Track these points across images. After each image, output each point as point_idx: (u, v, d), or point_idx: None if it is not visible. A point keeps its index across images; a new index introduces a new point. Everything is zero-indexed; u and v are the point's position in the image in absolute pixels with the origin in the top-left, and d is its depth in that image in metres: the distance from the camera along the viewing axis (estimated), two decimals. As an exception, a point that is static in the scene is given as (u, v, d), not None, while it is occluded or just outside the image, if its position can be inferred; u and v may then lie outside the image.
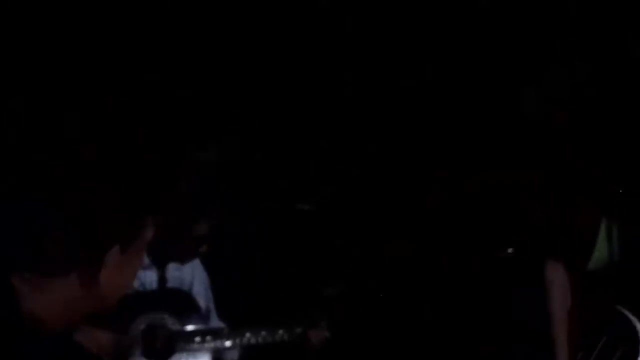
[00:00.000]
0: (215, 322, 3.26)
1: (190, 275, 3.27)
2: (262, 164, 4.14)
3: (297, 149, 4.17)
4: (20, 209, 1.45)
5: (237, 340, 3.12)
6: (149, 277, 3.13)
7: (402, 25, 4.07)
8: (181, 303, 3.17)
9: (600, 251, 3.49)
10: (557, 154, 3.50)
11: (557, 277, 2.93)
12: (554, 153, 3.48)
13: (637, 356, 2.86)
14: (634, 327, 2.92)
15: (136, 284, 3.04)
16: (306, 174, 4.12)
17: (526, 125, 3.71)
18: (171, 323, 3.10)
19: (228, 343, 3.11)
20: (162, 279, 3.18)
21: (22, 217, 1.43)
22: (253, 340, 3.11)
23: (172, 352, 3.09)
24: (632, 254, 3.43)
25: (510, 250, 3.13)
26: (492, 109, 3.91)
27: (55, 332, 1.43)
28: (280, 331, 3.13)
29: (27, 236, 1.41)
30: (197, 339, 3.09)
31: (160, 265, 3.18)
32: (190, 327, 3.12)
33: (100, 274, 1.39)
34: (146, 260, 3.08)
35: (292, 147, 4.17)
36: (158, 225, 1.56)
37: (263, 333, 3.11)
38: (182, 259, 3.21)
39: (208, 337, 3.10)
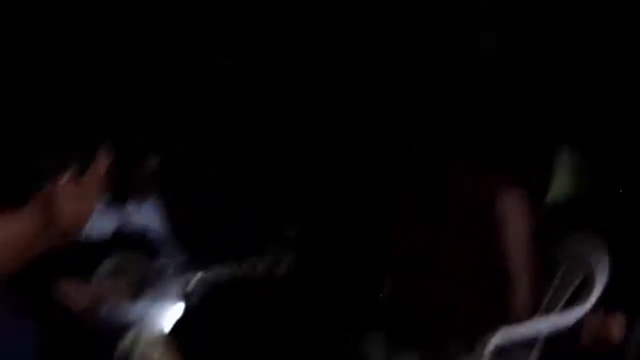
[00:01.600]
0: (175, 256, 3.30)
1: (146, 212, 3.34)
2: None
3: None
4: None
5: (204, 276, 3.15)
6: (107, 219, 3.18)
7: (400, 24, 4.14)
8: (144, 240, 3.22)
9: (560, 182, 3.61)
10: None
11: (511, 210, 2.82)
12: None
13: (594, 285, 2.82)
14: (593, 254, 2.85)
15: (97, 228, 3.06)
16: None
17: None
18: (137, 263, 3.14)
19: (195, 279, 3.14)
20: (121, 218, 3.25)
21: None
22: (219, 275, 3.16)
23: (142, 290, 3.13)
24: (592, 185, 3.52)
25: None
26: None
27: (13, 271, 1.34)
28: (244, 265, 3.17)
29: None
30: (165, 276, 3.14)
31: (118, 204, 3.24)
32: (156, 266, 3.17)
33: (54, 205, 1.32)
34: (104, 201, 3.15)
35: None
36: (113, 160, 1.49)
37: (228, 268, 3.17)
38: (139, 195, 3.28)
39: (175, 275, 3.15)
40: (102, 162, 1.39)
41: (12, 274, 1.30)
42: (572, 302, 2.87)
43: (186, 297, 3.20)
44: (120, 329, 2.88)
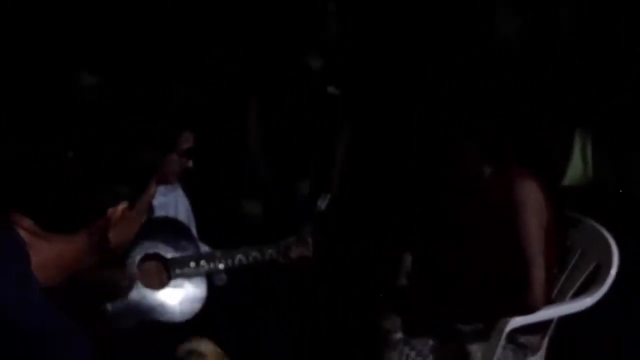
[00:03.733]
0: (202, 243, 3.36)
1: (174, 201, 3.36)
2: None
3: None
4: None
5: (230, 262, 3.23)
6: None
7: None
8: (171, 230, 3.24)
9: (575, 168, 3.69)
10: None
11: (529, 197, 2.82)
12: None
13: (610, 267, 2.88)
14: (607, 240, 2.95)
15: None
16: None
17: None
18: (165, 251, 3.20)
19: (221, 266, 3.22)
20: (149, 206, 3.22)
21: None
22: (244, 261, 3.22)
23: (169, 279, 3.19)
24: (606, 170, 3.61)
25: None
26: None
27: (60, 283, 1.47)
28: (270, 250, 3.23)
29: None
30: (192, 264, 3.20)
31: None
32: (183, 253, 3.22)
33: (110, 232, 1.45)
34: None
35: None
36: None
37: (254, 254, 3.23)
38: (166, 182, 3.26)
39: (202, 262, 3.21)
40: (152, 192, 1.54)
41: (59, 285, 1.46)
42: (586, 287, 2.95)
43: (212, 284, 3.28)
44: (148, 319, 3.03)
